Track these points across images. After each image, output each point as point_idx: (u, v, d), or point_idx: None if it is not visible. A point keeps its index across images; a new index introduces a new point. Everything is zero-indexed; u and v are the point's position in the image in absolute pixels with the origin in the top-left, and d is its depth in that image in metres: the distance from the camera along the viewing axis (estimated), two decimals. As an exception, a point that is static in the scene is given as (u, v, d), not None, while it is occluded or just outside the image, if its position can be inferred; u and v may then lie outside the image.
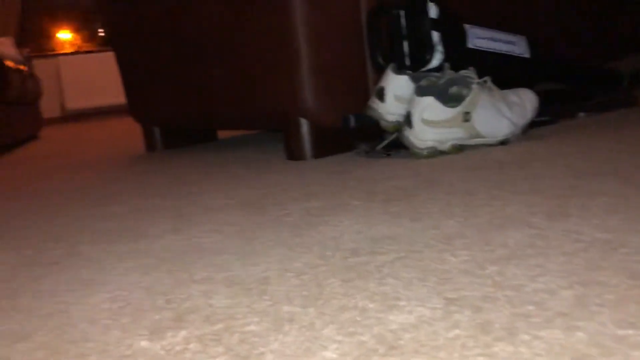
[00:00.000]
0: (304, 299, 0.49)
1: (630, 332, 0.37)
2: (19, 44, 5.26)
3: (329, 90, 1.27)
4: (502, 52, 1.32)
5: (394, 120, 1.20)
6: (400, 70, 1.21)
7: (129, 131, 3.40)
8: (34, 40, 5.91)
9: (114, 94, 5.57)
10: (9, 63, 3.04)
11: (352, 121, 1.25)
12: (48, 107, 5.40)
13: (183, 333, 0.46)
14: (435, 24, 1.22)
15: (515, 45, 1.36)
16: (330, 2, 1.24)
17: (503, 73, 1.35)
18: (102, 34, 6.28)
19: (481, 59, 1.29)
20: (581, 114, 1.45)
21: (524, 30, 1.44)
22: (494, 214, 0.68)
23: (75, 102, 5.62)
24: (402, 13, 1.24)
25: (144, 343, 0.45)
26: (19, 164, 2.09)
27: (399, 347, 0.39)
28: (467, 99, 1.12)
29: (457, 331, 0.40)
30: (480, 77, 1.18)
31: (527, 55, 1.36)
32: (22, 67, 3.45)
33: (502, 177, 0.87)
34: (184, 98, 1.70)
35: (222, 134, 2.05)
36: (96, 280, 0.61)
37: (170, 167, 1.44)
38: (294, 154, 1.33)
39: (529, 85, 1.40)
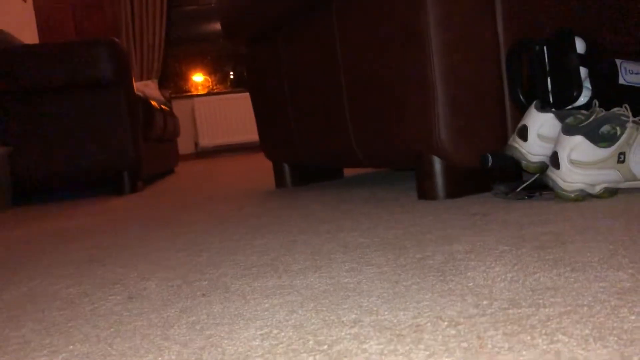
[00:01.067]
0: (464, 352, 0.46)
1: None
2: (161, 86, 5.73)
3: (464, 128, 1.23)
4: (659, 88, 1.21)
5: (537, 160, 1.14)
6: (544, 108, 1.15)
7: (256, 166, 3.54)
8: (173, 82, 6.41)
9: (243, 132, 5.87)
10: (154, 104, 3.30)
11: (490, 161, 1.20)
12: (183, 144, 5.79)
13: (339, 379, 0.44)
14: (583, 59, 1.14)
15: (674, 81, 1.25)
16: (468, 37, 1.21)
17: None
18: (233, 77, 6.68)
19: (634, 95, 1.19)
20: None
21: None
22: (671, 267, 0.61)
23: (208, 139, 5.98)
24: (545, 48, 1.18)
25: (300, 386, 0.43)
26: (161, 196, 2.23)
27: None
28: (622, 139, 1.03)
29: (657, 404, 0.35)
30: (634, 115, 1.09)
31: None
32: (164, 107, 3.74)
33: (672, 225, 0.78)
34: (314, 135, 1.73)
35: (348, 172, 2.06)
36: (243, 315, 0.62)
37: (302, 204, 1.46)
38: (425, 193, 1.29)
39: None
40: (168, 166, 3.76)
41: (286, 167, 2.01)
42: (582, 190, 1.04)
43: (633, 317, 0.49)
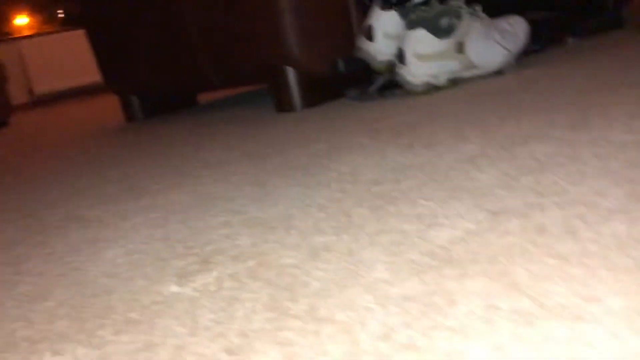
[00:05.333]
0: (334, 229, 0.47)
1: (698, 217, 0.35)
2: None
3: (313, 35, 1.22)
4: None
5: (386, 59, 1.16)
6: (386, 6, 1.16)
7: (105, 108, 3.31)
8: (-9, 25, 5.69)
9: (82, 73, 5.41)
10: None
11: (342, 65, 1.21)
12: (16, 93, 5.23)
13: (214, 274, 0.42)
14: (419, -44, 1.17)
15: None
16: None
17: (492, 2, 1.31)
18: (63, 15, 6.08)
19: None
20: (570, 40, 1.42)
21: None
22: (512, 133, 0.66)
23: (44, 85, 5.46)
24: (383, -53, 1.18)
25: (174, 288, 0.42)
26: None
27: (453, 260, 0.37)
28: (459, 29, 1.08)
29: (511, 237, 0.38)
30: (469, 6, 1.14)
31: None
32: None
33: (509, 102, 0.84)
34: (161, 61, 1.63)
35: (202, 98, 1.99)
36: (104, 238, 0.58)
37: (156, 134, 1.39)
38: (282, 105, 1.28)
39: (518, 13, 1.37)
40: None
41: (134, 99, 1.89)
42: (428, 83, 1.09)
43: (483, 176, 0.52)
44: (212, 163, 0.85)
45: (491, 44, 1.11)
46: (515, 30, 1.17)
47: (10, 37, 5.66)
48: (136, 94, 1.89)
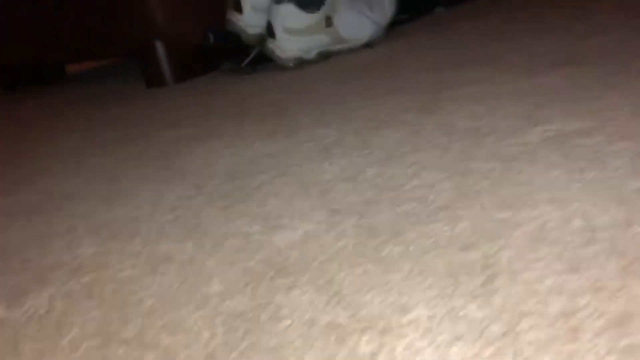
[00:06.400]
0: (180, 234, 0.46)
1: (509, 213, 0.38)
2: None
3: (180, 7, 1.18)
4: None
5: (255, 32, 1.14)
6: (254, -22, 1.14)
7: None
8: None
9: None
10: None
11: (212, 38, 1.17)
12: None
13: (46, 293, 0.40)
14: None
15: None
16: None
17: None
18: None
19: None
20: (439, 9, 1.46)
21: None
22: (368, 117, 0.67)
23: None
24: None
25: (0, 313, 0.39)
26: None
27: (287, 267, 0.37)
28: (327, 2, 1.08)
29: (344, 241, 0.39)
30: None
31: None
32: None
33: (372, 80, 0.86)
34: (20, 28, 1.50)
35: (73, 70, 1.86)
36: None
37: (10, 113, 1.28)
38: (152, 80, 1.23)
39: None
40: None
41: (-7, 73, 1.73)
42: (299, 58, 1.08)
43: (333, 168, 0.53)
44: (67, 151, 0.80)
45: (359, 17, 1.12)
46: (382, 2, 1.18)
47: None
48: (-7, 66, 1.73)
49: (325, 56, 1.11)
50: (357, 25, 1.12)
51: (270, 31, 1.07)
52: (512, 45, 0.87)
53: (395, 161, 0.51)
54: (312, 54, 1.09)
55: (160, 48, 1.20)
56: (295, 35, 1.06)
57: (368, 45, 1.15)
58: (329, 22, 1.08)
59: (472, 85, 0.71)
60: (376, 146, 0.57)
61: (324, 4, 1.08)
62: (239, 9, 1.13)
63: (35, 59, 1.62)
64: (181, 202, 0.53)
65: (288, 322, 0.31)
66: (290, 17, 1.05)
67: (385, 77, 0.86)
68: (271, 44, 1.07)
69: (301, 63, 1.08)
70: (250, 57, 1.17)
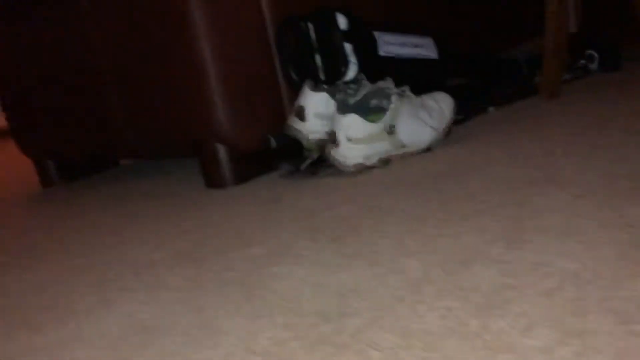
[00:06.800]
0: (285, 394, 0.44)
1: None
2: None
3: (242, 111, 1.21)
4: (412, 56, 1.32)
5: (317, 138, 1.16)
6: (316, 85, 1.17)
7: (16, 158, 3.13)
8: None
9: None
10: None
11: (273, 142, 1.19)
12: None
13: None
14: (346, 35, 1.18)
15: (424, 48, 1.36)
16: (235, 17, 1.17)
17: (415, 77, 1.35)
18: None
19: (393, 65, 1.27)
20: (491, 109, 1.48)
21: (424, 25, 1.45)
22: (450, 248, 0.66)
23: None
24: (311, 26, 1.19)
25: None
26: None
27: None
28: (389, 112, 1.10)
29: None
30: (394, 83, 1.17)
31: (435, 56, 1.37)
32: None
33: (442, 196, 0.85)
34: (80, 126, 1.56)
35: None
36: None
37: (76, 210, 1.31)
38: (212, 181, 1.25)
39: (439, 83, 1.42)
40: None
41: (50, 164, 1.79)
42: (360, 164, 1.09)
43: (431, 315, 0.52)
44: (142, 266, 0.80)
45: (420, 123, 1.14)
46: (441, 107, 1.20)
47: None
48: (52, 159, 1.80)
49: (385, 161, 1.11)
50: (417, 132, 1.13)
51: (332, 139, 1.08)
52: (584, 162, 0.87)
53: (499, 311, 0.50)
54: (373, 160, 1.10)
55: (221, 150, 1.22)
56: (357, 144, 1.08)
57: (428, 149, 1.15)
58: (391, 130, 1.10)
59: (556, 213, 0.70)
60: (470, 287, 0.55)
61: (386, 113, 1.09)
62: (301, 116, 1.16)
63: (92, 155, 1.67)
64: (275, 347, 0.51)
65: None
66: (354, 127, 1.07)
67: (456, 195, 0.85)
68: (333, 151, 1.09)
69: (362, 169, 1.09)
70: (310, 161, 1.18)
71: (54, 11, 1.45)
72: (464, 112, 1.38)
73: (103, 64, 1.37)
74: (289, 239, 0.81)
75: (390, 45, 1.28)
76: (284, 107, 1.26)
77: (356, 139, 1.07)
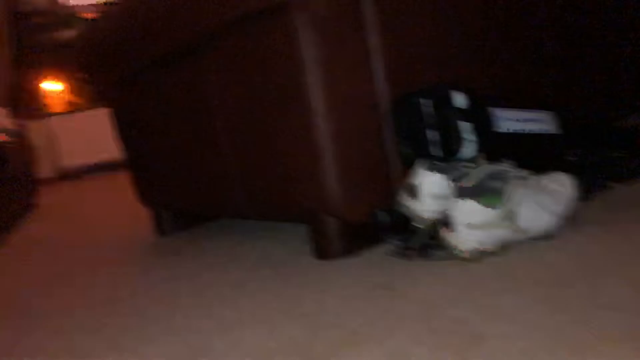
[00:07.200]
0: None
1: None
2: (11, 105, 5.21)
3: (354, 185, 1.21)
4: (531, 132, 1.27)
5: (429, 217, 1.14)
6: (431, 164, 1.15)
7: (125, 194, 3.34)
8: (24, 100, 5.85)
9: (106, 150, 5.49)
10: (3, 138, 2.98)
11: (383, 217, 1.19)
12: (44, 166, 5.32)
13: None
14: (462, 113, 1.16)
15: (543, 122, 1.31)
16: (350, 94, 1.19)
17: (534, 153, 1.30)
18: (91, 93, 6.25)
19: (512, 142, 1.23)
20: (613, 185, 1.39)
21: (542, 98, 1.39)
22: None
23: (70, 160, 5.56)
24: (426, 102, 1.18)
25: None
26: (23, 259, 2.00)
27: None
28: (509, 197, 1.06)
29: None
30: (512, 160, 1.13)
31: (556, 131, 1.31)
32: (15, 139, 3.40)
33: (580, 306, 0.78)
34: (196, 184, 1.63)
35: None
36: None
37: (188, 272, 1.36)
38: (322, 253, 1.26)
39: (559, 158, 1.36)
40: (28, 202, 3.43)
41: (165, 214, 1.89)
42: (475, 250, 1.05)
43: None
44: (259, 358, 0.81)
45: (540, 208, 1.09)
46: (563, 190, 1.14)
47: (41, 112, 5.82)
48: (167, 210, 1.89)
49: (502, 248, 1.07)
50: (537, 218, 1.08)
51: (448, 223, 1.06)
52: None
53: None
54: (488, 246, 1.06)
55: (331, 222, 1.23)
56: (474, 229, 1.04)
57: (548, 236, 1.10)
58: (509, 215, 1.06)
59: None
60: None
61: (505, 198, 1.05)
62: (413, 194, 1.14)
63: (202, 211, 1.75)
64: None
65: None
66: (471, 213, 1.04)
67: (596, 308, 0.78)
68: (447, 234, 1.06)
69: (477, 255, 1.05)
70: (420, 240, 1.16)
71: (175, 76, 1.54)
72: (584, 189, 1.31)
73: (219, 127, 1.44)
74: (405, 342, 0.78)
75: (508, 121, 1.25)
76: (395, 183, 1.25)
77: (472, 225, 1.04)
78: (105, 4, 1.86)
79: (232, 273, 1.28)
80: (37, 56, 5.89)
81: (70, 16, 5.88)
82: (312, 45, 1.14)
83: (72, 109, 5.88)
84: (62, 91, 6.04)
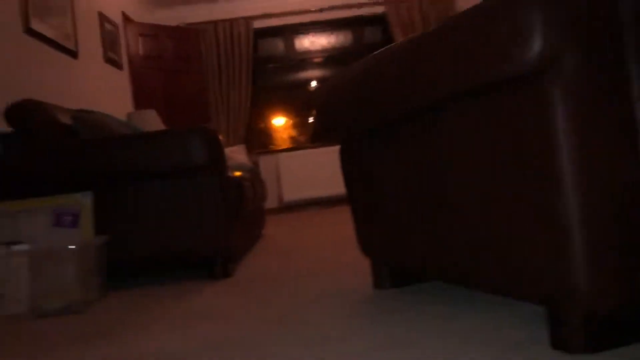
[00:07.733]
0: None
1: None
2: (245, 141, 5.80)
3: (606, 271, 1.07)
4: None
5: None
6: None
7: (343, 228, 3.44)
8: (256, 137, 6.49)
9: (326, 186, 5.81)
10: (240, 174, 3.29)
11: (641, 313, 1.03)
12: (269, 198, 5.81)
13: None
14: None
15: None
16: (608, 169, 1.06)
17: None
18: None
19: None
20: None
21: None
22: None
23: (292, 194, 5.98)
24: None
25: None
26: (249, 289, 2.15)
27: None
28: None
29: None
30: None
31: None
32: (252, 174, 3.74)
33: None
34: (417, 241, 1.61)
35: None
36: None
37: (412, 338, 1.32)
38: (560, 343, 1.13)
39: None
40: (257, 233, 3.75)
41: (385, 269, 1.89)
42: None
43: None
44: None
45: None
46: None
47: (271, 148, 6.39)
48: (387, 265, 1.90)
49: None
50: None
51: None
52: None
53: None
54: None
55: (575, 309, 1.10)
56: None
57: None
58: None
59: None
60: None
61: None
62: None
63: (423, 271, 1.71)
64: None
65: None
66: None
67: None
68: None
69: None
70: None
71: (411, 131, 1.54)
72: None
73: (451, 186, 1.39)
74: None
75: None
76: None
77: None
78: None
79: (441, 347, 1.21)
80: (269, 96, 6.52)
81: (301, 61, 6.40)
82: (565, 118, 1.05)
83: (295, 145, 6.35)
84: (287, 127, 6.57)
